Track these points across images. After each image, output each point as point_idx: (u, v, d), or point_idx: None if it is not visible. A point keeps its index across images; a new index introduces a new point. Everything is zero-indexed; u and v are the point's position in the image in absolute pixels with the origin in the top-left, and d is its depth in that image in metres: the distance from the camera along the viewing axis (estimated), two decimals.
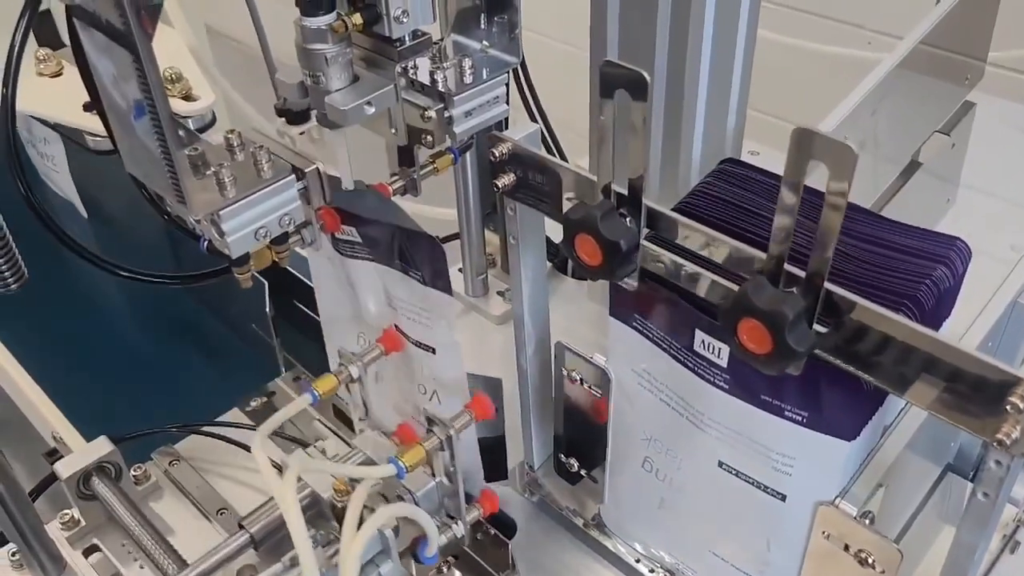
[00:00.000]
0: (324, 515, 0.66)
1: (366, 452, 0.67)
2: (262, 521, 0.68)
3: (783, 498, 0.54)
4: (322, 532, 0.65)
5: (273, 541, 0.68)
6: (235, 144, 0.56)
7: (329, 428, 0.83)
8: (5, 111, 0.55)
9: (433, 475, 0.65)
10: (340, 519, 0.65)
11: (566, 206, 0.57)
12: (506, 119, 0.71)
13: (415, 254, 0.61)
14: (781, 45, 1.49)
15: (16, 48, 0.52)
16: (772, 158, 0.90)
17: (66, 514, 0.77)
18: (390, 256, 0.63)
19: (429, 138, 0.62)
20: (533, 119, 1.00)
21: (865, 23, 1.45)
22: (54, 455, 0.93)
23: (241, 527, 0.68)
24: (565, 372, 0.65)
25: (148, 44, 0.47)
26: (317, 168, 0.57)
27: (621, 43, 0.77)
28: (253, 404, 0.88)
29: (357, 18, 0.55)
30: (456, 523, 0.67)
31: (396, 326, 0.67)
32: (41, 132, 1.17)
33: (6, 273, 0.58)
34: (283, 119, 0.71)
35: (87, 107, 1.04)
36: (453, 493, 0.66)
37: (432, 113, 0.61)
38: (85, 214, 1.20)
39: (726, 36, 0.76)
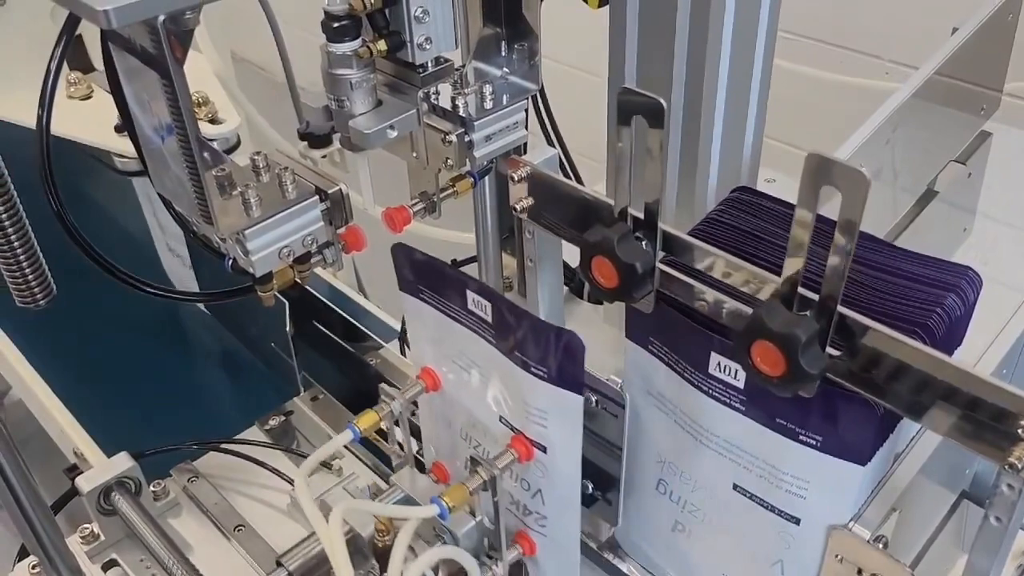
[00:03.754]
0: (363, 553, 0.66)
1: (404, 488, 0.67)
2: (301, 559, 0.68)
3: (797, 521, 0.55)
4: (361, 571, 0.64)
5: None
6: (261, 165, 0.58)
7: (347, 448, 0.84)
8: (40, 131, 0.57)
9: (474, 515, 0.64)
10: (379, 557, 0.66)
11: (580, 229, 0.58)
12: (524, 144, 0.72)
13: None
14: (800, 75, 1.51)
15: (53, 71, 0.54)
16: (788, 186, 0.91)
17: (86, 528, 0.78)
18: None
19: (450, 162, 0.63)
20: (551, 144, 1.01)
21: (883, 53, 1.47)
22: (74, 471, 0.95)
23: (279, 564, 0.68)
24: None
25: (180, 68, 0.49)
26: (340, 189, 0.58)
27: (639, 71, 0.78)
28: (272, 423, 0.89)
29: (382, 45, 0.56)
30: (496, 564, 0.66)
31: None
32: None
33: (35, 288, 0.59)
34: (305, 143, 0.73)
35: (119, 129, 1.06)
36: (494, 533, 0.65)
37: (453, 137, 0.62)
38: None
39: (743, 65, 0.77)
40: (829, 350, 0.47)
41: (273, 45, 0.85)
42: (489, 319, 0.59)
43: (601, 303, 1.00)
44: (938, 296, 0.51)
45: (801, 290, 0.46)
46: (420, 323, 0.63)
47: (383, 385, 0.67)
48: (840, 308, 0.45)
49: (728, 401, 0.54)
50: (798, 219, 0.44)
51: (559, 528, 0.65)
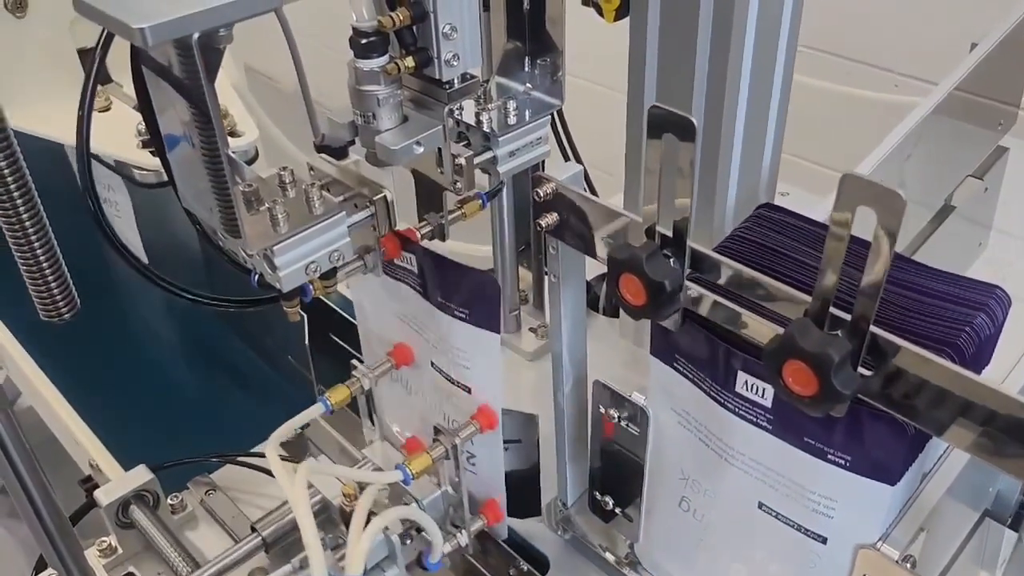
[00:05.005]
0: (333, 520, 0.69)
1: (375, 461, 0.71)
2: (274, 525, 0.71)
3: (824, 540, 0.54)
4: (331, 536, 0.67)
5: (284, 545, 0.71)
6: (287, 180, 0.58)
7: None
8: (81, 150, 0.57)
9: (439, 484, 0.68)
10: (348, 523, 0.67)
11: (606, 245, 0.58)
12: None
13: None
14: (808, 87, 1.50)
15: (89, 91, 0.54)
16: (801, 199, 0.91)
17: (104, 541, 0.77)
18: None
19: (459, 185, 0.63)
20: (566, 158, 1.01)
21: (892, 66, 1.46)
22: (89, 482, 0.94)
23: (253, 530, 0.70)
24: (603, 410, 0.65)
25: (211, 86, 0.49)
26: (385, 196, 0.58)
27: (659, 88, 0.78)
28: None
29: (409, 61, 0.57)
30: (460, 532, 0.70)
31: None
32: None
33: (60, 302, 0.59)
34: (322, 155, 0.73)
35: (146, 144, 1.06)
36: (458, 503, 0.69)
37: (462, 160, 0.62)
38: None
39: (762, 82, 0.77)
40: (860, 370, 0.47)
41: (282, 55, 0.85)
42: (415, 270, 0.64)
43: (618, 316, 1.00)
44: (967, 315, 0.51)
45: (833, 309, 0.46)
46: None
47: (353, 361, 0.70)
48: (872, 328, 0.45)
49: (755, 419, 0.54)
50: (832, 239, 0.44)
51: (487, 465, 0.70)
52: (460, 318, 0.64)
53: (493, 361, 0.64)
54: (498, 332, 0.63)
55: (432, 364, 0.70)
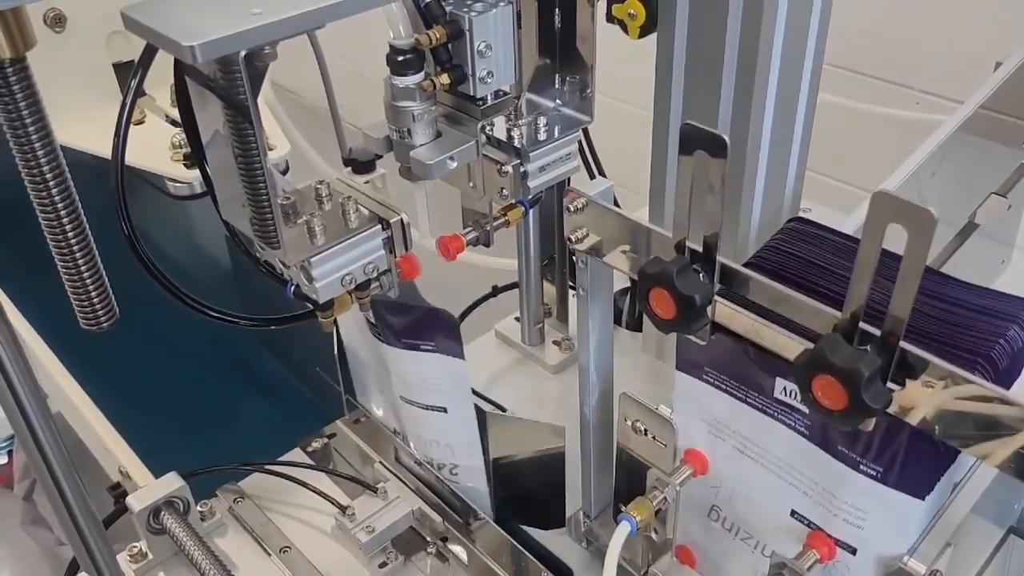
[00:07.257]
0: None
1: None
2: None
3: (853, 551, 0.55)
4: None
5: None
6: (323, 194, 0.59)
7: (391, 471, 0.84)
8: (116, 161, 0.58)
9: None
10: None
11: (634, 260, 0.59)
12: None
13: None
14: (829, 104, 1.50)
15: (128, 104, 0.55)
16: (823, 215, 0.92)
17: (135, 547, 0.78)
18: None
19: (504, 192, 0.65)
20: (591, 174, 1.02)
21: (913, 83, 1.47)
22: (117, 488, 0.96)
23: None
24: (629, 423, 0.66)
25: (255, 100, 0.50)
26: (401, 219, 0.59)
27: (686, 104, 0.79)
28: (315, 445, 0.90)
29: (445, 78, 0.58)
30: None
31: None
32: None
33: (100, 312, 0.61)
34: (349, 168, 0.74)
35: (186, 157, 1.08)
36: None
37: (508, 168, 0.63)
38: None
39: (788, 99, 0.78)
40: (889, 384, 0.47)
41: (305, 69, 0.87)
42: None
43: (640, 330, 1.01)
44: (1000, 327, 0.51)
45: (863, 324, 0.47)
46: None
47: (652, 471, 0.64)
48: (902, 343, 0.46)
49: (793, 424, 0.55)
50: (862, 256, 0.45)
51: (469, 472, 0.78)
52: (428, 350, 0.71)
53: (463, 384, 0.72)
54: (463, 358, 0.71)
55: (402, 398, 0.76)
